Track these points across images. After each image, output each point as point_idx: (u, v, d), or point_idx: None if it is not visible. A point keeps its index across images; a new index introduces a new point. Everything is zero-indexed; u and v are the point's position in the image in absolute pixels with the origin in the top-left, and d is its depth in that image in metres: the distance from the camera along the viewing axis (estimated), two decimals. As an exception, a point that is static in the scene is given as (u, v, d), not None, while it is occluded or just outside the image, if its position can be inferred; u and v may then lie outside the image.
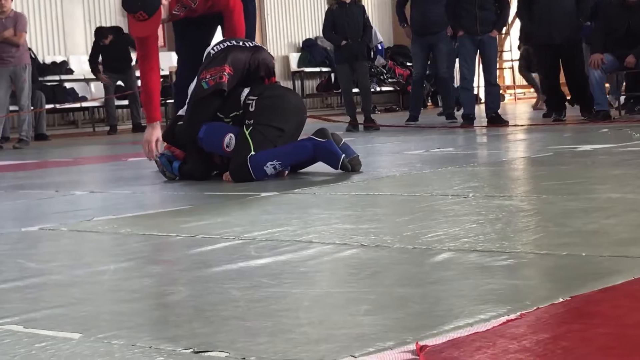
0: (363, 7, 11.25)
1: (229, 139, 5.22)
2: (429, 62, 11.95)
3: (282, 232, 3.13)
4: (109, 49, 14.50)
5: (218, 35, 6.42)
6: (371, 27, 11.54)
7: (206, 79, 5.35)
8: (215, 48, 5.51)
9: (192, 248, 2.96)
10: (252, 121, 5.22)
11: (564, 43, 9.91)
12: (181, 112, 5.61)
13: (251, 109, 5.26)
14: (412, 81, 12.37)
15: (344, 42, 10.92)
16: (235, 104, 5.34)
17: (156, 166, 5.69)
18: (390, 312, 1.95)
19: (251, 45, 5.56)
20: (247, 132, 5.17)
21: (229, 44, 5.51)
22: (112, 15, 16.62)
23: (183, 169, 5.47)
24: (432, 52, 11.55)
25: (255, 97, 5.30)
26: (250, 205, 4.14)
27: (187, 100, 5.53)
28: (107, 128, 15.15)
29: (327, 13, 11.27)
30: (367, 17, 11.25)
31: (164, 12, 5.69)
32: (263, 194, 4.41)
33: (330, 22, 11.06)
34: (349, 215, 3.58)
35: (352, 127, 11.11)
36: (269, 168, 5.07)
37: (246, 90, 5.36)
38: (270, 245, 2.89)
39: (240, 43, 5.53)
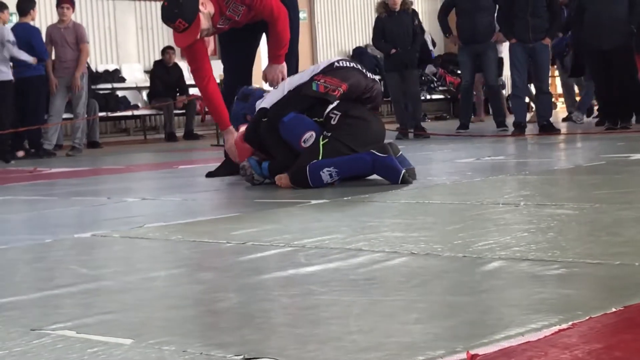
0: (413, 14, 11.21)
1: (310, 136, 5.21)
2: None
3: (332, 240, 3.14)
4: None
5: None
6: (423, 33, 11.52)
7: (319, 82, 5.35)
8: (342, 62, 5.50)
9: (242, 255, 2.97)
10: (330, 134, 5.21)
11: (613, 49, 9.78)
12: (263, 103, 5.58)
13: (332, 122, 5.24)
14: (461, 90, 12.31)
15: (393, 51, 10.91)
16: (319, 111, 5.33)
17: (241, 174, 5.60)
18: (440, 321, 1.94)
19: (371, 76, 5.55)
20: (321, 142, 5.16)
21: (354, 65, 5.52)
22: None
23: (273, 166, 5.43)
24: (480, 61, 11.45)
25: (339, 113, 5.27)
26: (301, 213, 4.14)
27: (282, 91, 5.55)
28: (159, 135, 15.28)
29: (376, 21, 11.27)
30: (418, 24, 11.21)
31: (204, 20, 5.72)
32: (313, 202, 4.41)
33: (380, 31, 11.06)
34: (399, 223, 3.57)
35: (402, 135, 11.09)
36: (325, 174, 5.06)
37: (334, 103, 5.35)
38: (320, 253, 2.89)
39: (363, 70, 5.55)
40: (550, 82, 12.83)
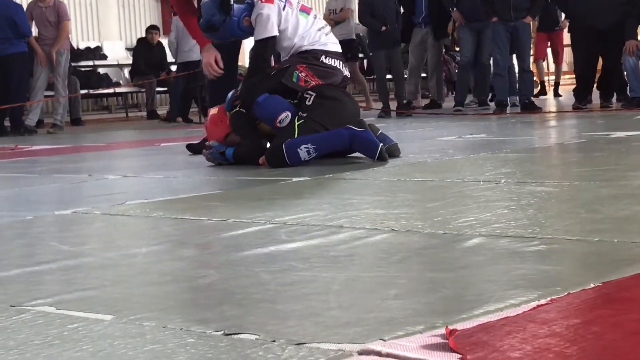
0: None
1: (285, 116, 5.21)
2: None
3: (313, 217, 3.14)
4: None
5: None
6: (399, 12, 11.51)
7: (299, 75, 5.37)
8: (328, 60, 5.49)
9: (223, 232, 2.97)
10: (305, 114, 5.21)
11: (607, 29, 9.73)
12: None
13: (307, 103, 5.25)
14: (459, 67, 12.24)
15: (383, 28, 10.88)
16: (294, 92, 5.34)
17: (203, 152, 5.64)
18: (420, 297, 1.95)
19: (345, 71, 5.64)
20: (296, 123, 5.16)
21: (338, 65, 5.54)
22: (146, 2, 16.68)
23: (238, 152, 5.43)
24: (478, 39, 11.33)
25: (314, 93, 5.28)
26: (282, 190, 4.15)
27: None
28: (141, 113, 15.23)
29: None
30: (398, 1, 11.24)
31: None
32: (295, 179, 4.42)
33: (368, 6, 11.01)
34: (380, 200, 3.58)
35: (385, 113, 11.10)
36: (302, 151, 5.06)
37: None
38: (301, 230, 2.90)
39: (343, 68, 5.60)
40: (531, 60, 12.85)
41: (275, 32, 5.48)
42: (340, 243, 2.63)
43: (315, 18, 5.65)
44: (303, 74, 5.35)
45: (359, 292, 2.04)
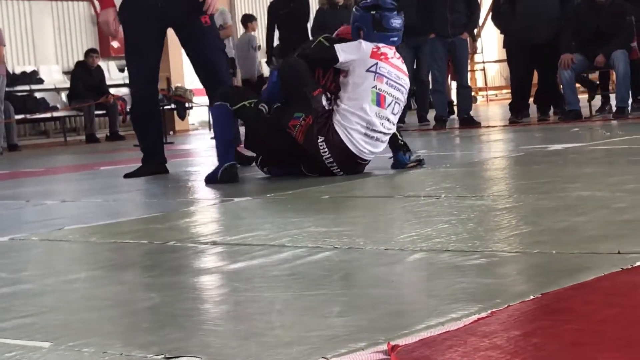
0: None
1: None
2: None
3: (254, 237, 3.13)
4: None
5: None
6: None
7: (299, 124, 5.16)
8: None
9: (164, 254, 2.95)
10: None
11: (543, 44, 9.86)
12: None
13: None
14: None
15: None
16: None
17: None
18: (362, 314, 1.95)
19: None
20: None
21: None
22: (82, 25, 16.56)
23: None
24: (416, 55, 11.37)
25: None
26: (223, 211, 4.13)
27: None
28: (80, 137, 15.08)
29: (317, 13, 11.22)
30: None
31: None
32: (236, 199, 4.40)
33: (320, 22, 11.02)
34: (322, 218, 3.58)
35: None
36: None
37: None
38: (243, 250, 2.88)
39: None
40: (470, 76, 12.98)
41: (342, 59, 5.21)
42: (282, 262, 2.62)
43: (380, 119, 5.15)
44: (301, 126, 5.14)
45: (301, 311, 2.03)
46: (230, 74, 10.67)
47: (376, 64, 5.10)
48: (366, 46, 5.18)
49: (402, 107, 5.30)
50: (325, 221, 3.46)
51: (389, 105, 5.10)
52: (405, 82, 5.24)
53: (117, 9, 6.37)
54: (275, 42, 12.11)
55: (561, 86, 10.17)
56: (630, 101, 10.02)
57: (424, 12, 10.60)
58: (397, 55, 5.29)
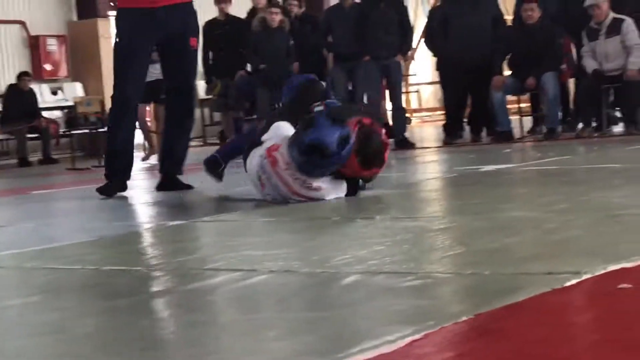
0: (289, 33, 11.15)
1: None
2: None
3: (190, 261, 3.12)
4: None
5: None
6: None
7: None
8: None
9: (98, 279, 2.93)
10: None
11: (475, 65, 9.97)
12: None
13: None
14: None
15: (262, 66, 10.90)
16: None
17: None
18: (298, 337, 1.96)
19: None
20: None
21: None
22: (14, 48, 16.38)
23: None
24: (350, 78, 11.37)
25: None
26: (158, 235, 4.11)
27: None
28: (12, 161, 14.87)
29: (252, 35, 11.22)
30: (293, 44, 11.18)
31: None
32: (171, 223, 4.38)
33: (252, 44, 11.03)
34: (258, 241, 3.58)
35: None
36: None
37: None
38: (178, 274, 2.88)
39: None
40: (404, 98, 13.09)
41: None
42: (218, 286, 2.62)
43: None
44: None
45: (237, 336, 2.04)
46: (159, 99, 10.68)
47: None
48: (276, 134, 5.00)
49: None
50: (261, 244, 3.47)
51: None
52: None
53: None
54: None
55: (493, 108, 10.30)
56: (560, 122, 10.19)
57: (358, 35, 10.68)
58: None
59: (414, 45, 12.23)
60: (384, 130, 4.90)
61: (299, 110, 5.13)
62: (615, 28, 9.29)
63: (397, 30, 10.58)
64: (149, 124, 12.24)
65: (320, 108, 4.96)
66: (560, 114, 10.09)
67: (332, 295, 2.40)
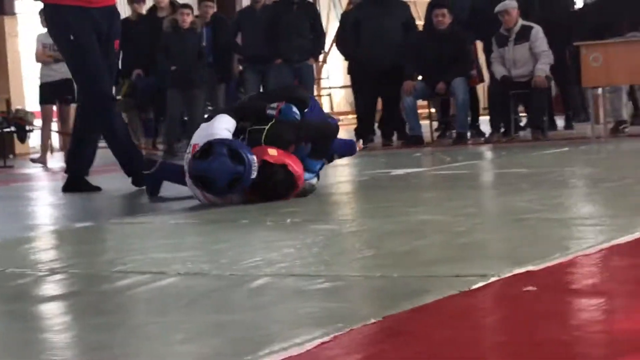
0: (201, 34, 11.06)
1: None
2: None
3: (96, 263, 3.07)
4: None
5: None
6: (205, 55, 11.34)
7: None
8: None
9: (1, 282, 2.85)
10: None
11: (386, 71, 10.03)
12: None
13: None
14: None
15: (173, 68, 10.78)
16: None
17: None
18: (206, 340, 1.94)
19: None
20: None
21: None
22: None
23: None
24: (262, 80, 11.35)
25: None
26: (64, 237, 4.03)
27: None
28: None
29: (162, 36, 11.09)
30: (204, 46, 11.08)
31: None
32: (78, 225, 4.31)
33: (163, 46, 10.90)
34: (166, 244, 3.54)
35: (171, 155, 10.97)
36: None
37: None
38: (84, 277, 2.83)
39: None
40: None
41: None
42: (126, 289, 2.58)
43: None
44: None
45: (145, 339, 2.01)
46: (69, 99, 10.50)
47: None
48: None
49: None
50: (169, 247, 3.43)
51: None
52: None
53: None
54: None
55: (404, 112, 10.40)
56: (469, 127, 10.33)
57: (269, 37, 10.67)
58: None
59: (326, 48, 12.26)
60: (295, 164, 4.79)
61: (256, 105, 5.10)
62: (524, 35, 9.45)
63: (309, 34, 10.61)
64: (54, 124, 11.95)
65: (273, 113, 4.95)
66: (469, 119, 10.23)
67: (241, 298, 2.38)
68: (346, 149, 5.37)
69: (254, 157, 4.58)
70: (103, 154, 6.73)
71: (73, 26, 6.00)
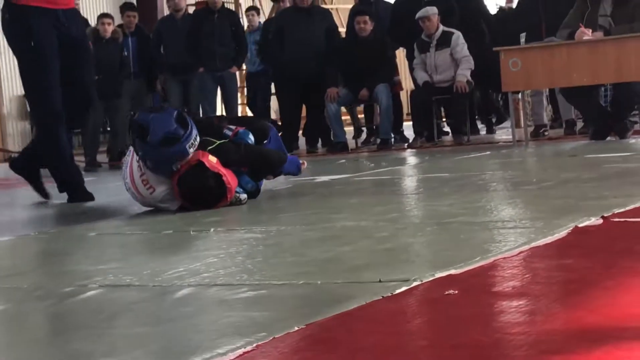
0: (122, 44, 10.92)
1: None
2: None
3: (18, 278, 3.01)
4: None
5: None
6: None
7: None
8: None
9: None
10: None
11: (310, 78, 10.05)
12: None
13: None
14: None
15: (96, 77, 10.63)
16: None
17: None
18: (128, 353, 1.92)
19: None
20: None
21: None
22: None
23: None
24: (185, 90, 11.25)
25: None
26: (-16, 251, 3.96)
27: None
28: None
29: None
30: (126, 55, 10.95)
31: None
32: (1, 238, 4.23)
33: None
34: (87, 256, 3.49)
35: (92, 167, 10.81)
36: None
37: None
38: (5, 291, 2.77)
39: None
40: (240, 110, 13.08)
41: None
42: (46, 304, 2.54)
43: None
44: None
45: (63, 355, 1.97)
46: None
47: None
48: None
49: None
50: (90, 259, 3.38)
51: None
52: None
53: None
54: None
55: (327, 119, 10.43)
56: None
57: (190, 46, 10.61)
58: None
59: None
60: (229, 177, 4.79)
61: (215, 123, 5.13)
62: (445, 40, 9.56)
63: (231, 42, 10.59)
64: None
65: (229, 133, 5.03)
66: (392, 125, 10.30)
67: (163, 309, 2.36)
68: (291, 168, 5.40)
69: (197, 135, 4.70)
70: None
71: (35, 31, 5.71)
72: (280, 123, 10.70)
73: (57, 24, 5.79)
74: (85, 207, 5.58)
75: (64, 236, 4.23)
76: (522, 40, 9.60)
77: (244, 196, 4.90)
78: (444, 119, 11.04)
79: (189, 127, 4.68)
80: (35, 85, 5.84)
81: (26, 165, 6.17)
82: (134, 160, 4.85)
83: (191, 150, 4.68)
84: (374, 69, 9.86)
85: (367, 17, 10.01)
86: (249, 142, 5.12)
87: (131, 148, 4.91)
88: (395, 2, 10.64)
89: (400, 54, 11.77)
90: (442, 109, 10.60)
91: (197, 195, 4.71)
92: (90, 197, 5.85)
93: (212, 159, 4.75)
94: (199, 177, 4.66)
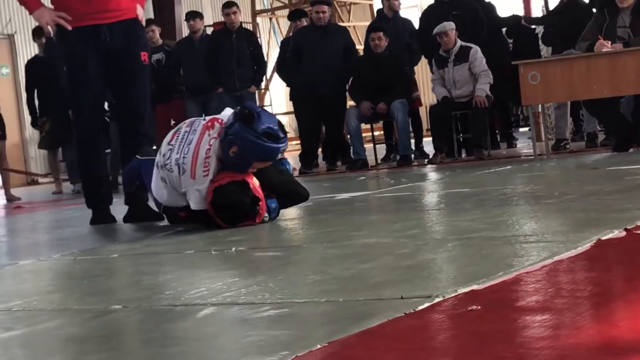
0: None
1: None
2: None
3: (32, 301, 3.02)
4: None
5: None
6: None
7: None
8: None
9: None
10: None
11: (328, 96, 10.07)
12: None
13: None
14: None
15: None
16: None
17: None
18: (150, 374, 1.92)
19: None
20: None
21: None
22: None
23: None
24: (204, 110, 11.30)
25: None
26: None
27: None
28: None
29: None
30: None
31: None
32: (22, 262, 4.24)
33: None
34: (108, 277, 3.50)
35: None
36: None
37: None
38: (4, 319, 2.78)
39: None
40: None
41: None
42: (61, 325, 2.55)
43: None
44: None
45: (87, 375, 1.97)
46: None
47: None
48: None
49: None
50: (113, 279, 3.39)
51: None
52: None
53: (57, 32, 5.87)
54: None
55: (348, 136, 10.44)
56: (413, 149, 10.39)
57: (211, 66, 10.67)
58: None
59: (267, 75, 12.28)
60: (263, 204, 4.83)
61: None
62: (463, 55, 9.55)
63: (250, 62, 10.63)
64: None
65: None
66: (412, 141, 10.29)
67: (186, 329, 2.36)
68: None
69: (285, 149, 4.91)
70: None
71: (67, 54, 5.86)
72: (299, 141, 10.72)
73: (96, 41, 5.75)
74: (105, 229, 5.60)
75: (86, 257, 4.24)
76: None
77: (266, 217, 4.91)
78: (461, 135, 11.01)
79: (286, 137, 4.84)
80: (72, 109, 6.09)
81: (134, 211, 5.89)
82: (203, 140, 4.86)
83: (279, 156, 4.87)
84: (390, 85, 9.86)
85: (381, 34, 10.02)
86: (290, 170, 5.26)
87: (195, 124, 5.01)
88: (422, 14, 10.65)
89: (420, 69, 11.76)
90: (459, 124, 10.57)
91: (229, 209, 4.73)
92: (112, 220, 5.86)
93: (256, 181, 4.81)
94: (239, 193, 4.70)
